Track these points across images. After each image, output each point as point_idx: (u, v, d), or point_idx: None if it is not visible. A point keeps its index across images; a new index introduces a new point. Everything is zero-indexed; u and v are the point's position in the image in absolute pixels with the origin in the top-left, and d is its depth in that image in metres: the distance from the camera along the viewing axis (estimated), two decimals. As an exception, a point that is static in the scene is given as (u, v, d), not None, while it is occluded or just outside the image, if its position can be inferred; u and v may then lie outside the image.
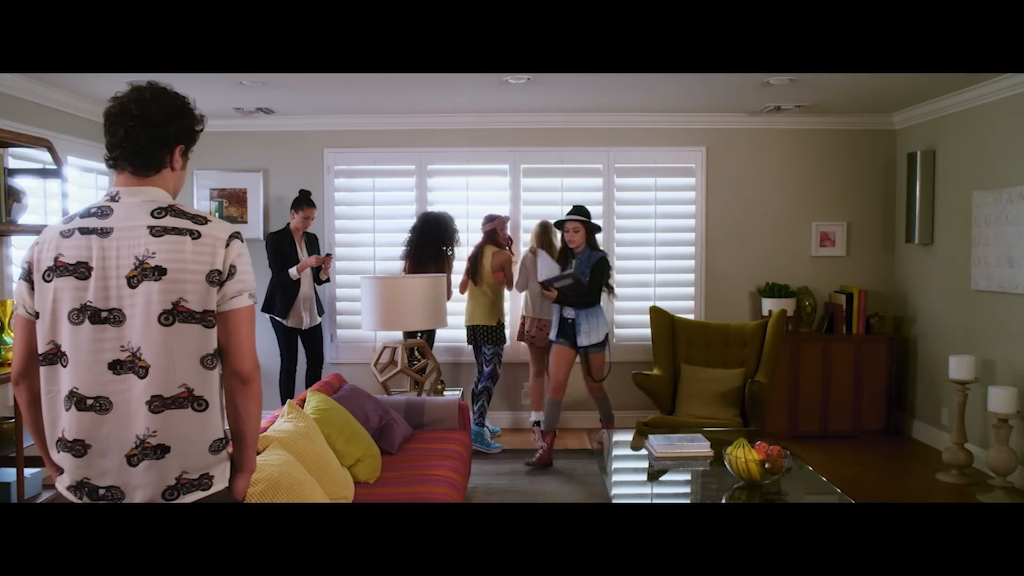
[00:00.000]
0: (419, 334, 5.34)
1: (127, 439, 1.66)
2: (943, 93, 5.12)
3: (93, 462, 1.67)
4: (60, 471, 1.73)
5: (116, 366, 1.66)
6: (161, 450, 1.67)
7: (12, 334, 3.70)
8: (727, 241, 6.00)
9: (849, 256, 6.02)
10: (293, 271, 5.23)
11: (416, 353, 5.30)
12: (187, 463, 1.70)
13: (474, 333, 5.43)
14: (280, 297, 5.30)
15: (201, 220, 1.73)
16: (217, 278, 1.71)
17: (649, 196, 5.98)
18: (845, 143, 5.97)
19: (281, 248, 5.30)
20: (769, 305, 5.69)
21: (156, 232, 1.68)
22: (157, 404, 1.66)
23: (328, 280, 5.57)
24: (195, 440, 1.71)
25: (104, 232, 1.68)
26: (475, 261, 5.42)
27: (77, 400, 1.66)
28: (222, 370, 1.76)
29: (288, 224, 5.42)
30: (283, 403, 4.93)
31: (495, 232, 5.49)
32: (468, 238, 5.73)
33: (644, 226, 5.98)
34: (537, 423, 5.57)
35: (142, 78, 1.81)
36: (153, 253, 1.66)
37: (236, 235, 1.77)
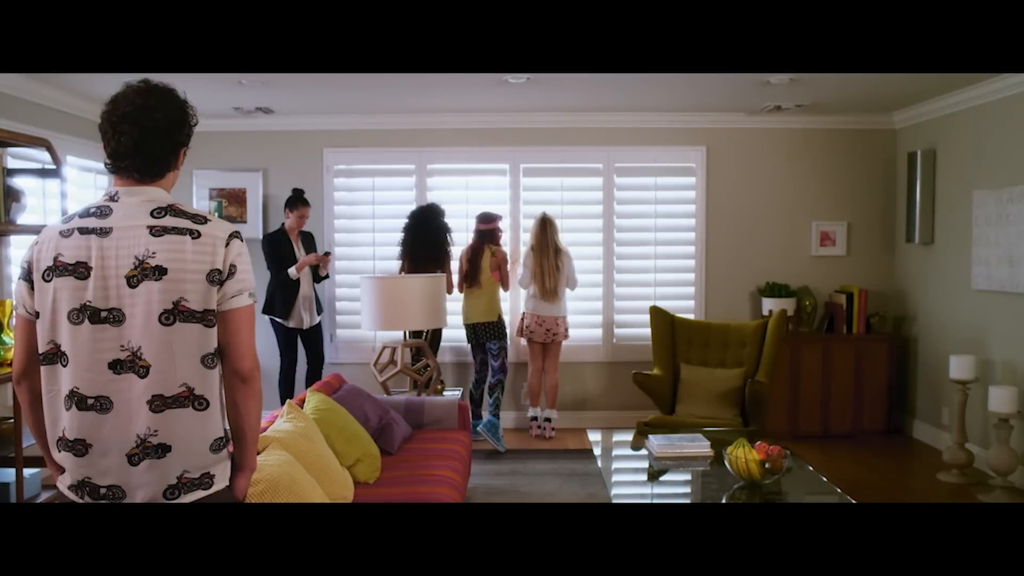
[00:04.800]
0: (425, 334, 5.34)
1: (128, 438, 1.66)
2: (943, 93, 5.12)
3: (94, 461, 1.67)
4: (61, 471, 1.73)
5: (116, 365, 1.66)
6: (162, 449, 1.67)
7: (12, 334, 3.70)
8: (727, 241, 6.00)
9: (849, 256, 6.02)
10: (292, 271, 5.23)
11: (412, 352, 5.30)
12: (188, 462, 1.70)
13: (475, 331, 5.45)
14: (280, 298, 5.30)
15: (201, 220, 1.73)
16: (217, 277, 1.71)
17: (649, 196, 5.98)
18: (845, 143, 5.97)
19: (278, 249, 5.29)
20: (769, 305, 5.69)
21: (156, 232, 1.68)
22: (158, 403, 1.66)
23: (327, 277, 5.58)
24: (196, 439, 1.71)
25: (103, 232, 1.68)
26: (474, 263, 5.42)
27: (78, 400, 1.66)
28: (222, 369, 1.76)
29: (283, 224, 5.41)
30: (282, 403, 4.93)
31: (495, 232, 5.49)
32: (468, 238, 5.73)
33: (644, 226, 5.98)
34: (534, 418, 5.63)
35: (141, 78, 1.80)
36: (153, 253, 1.66)
37: (236, 234, 1.77)
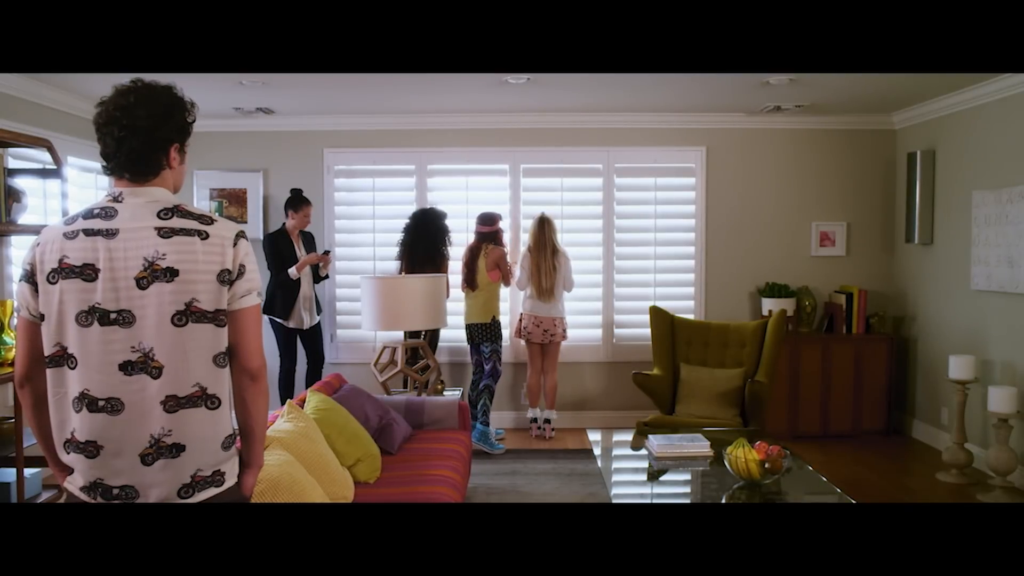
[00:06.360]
0: (423, 334, 5.34)
1: (141, 439, 1.66)
2: (943, 93, 5.12)
3: (107, 462, 1.67)
4: (67, 472, 1.73)
5: (127, 367, 1.66)
6: (177, 449, 1.68)
7: (12, 334, 3.70)
8: (727, 241, 6.01)
9: (849, 256, 6.03)
10: (293, 271, 5.23)
11: (407, 353, 5.30)
12: (201, 460, 1.71)
13: (470, 332, 5.45)
14: (280, 298, 5.30)
15: (207, 220, 1.74)
16: (228, 277, 1.72)
17: (649, 196, 5.98)
18: (845, 143, 5.97)
19: (280, 249, 5.29)
20: (769, 305, 5.70)
21: (164, 233, 1.68)
22: (172, 404, 1.67)
23: (327, 277, 5.58)
24: (209, 438, 1.72)
25: (110, 233, 1.67)
26: (471, 265, 5.42)
27: (88, 402, 1.66)
28: (231, 368, 1.77)
29: (284, 224, 5.41)
30: (283, 403, 4.93)
31: (496, 234, 5.48)
32: (468, 239, 5.73)
33: (644, 226, 5.98)
34: (534, 419, 5.64)
35: (133, 78, 1.79)
36: (164, 255, 1.66)
37: (242, 234, 1.78)
